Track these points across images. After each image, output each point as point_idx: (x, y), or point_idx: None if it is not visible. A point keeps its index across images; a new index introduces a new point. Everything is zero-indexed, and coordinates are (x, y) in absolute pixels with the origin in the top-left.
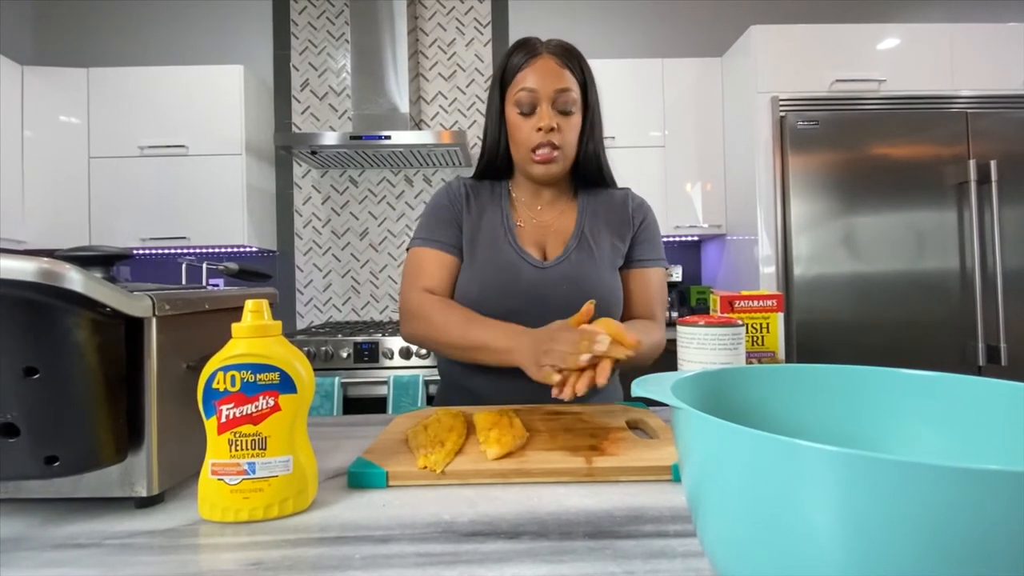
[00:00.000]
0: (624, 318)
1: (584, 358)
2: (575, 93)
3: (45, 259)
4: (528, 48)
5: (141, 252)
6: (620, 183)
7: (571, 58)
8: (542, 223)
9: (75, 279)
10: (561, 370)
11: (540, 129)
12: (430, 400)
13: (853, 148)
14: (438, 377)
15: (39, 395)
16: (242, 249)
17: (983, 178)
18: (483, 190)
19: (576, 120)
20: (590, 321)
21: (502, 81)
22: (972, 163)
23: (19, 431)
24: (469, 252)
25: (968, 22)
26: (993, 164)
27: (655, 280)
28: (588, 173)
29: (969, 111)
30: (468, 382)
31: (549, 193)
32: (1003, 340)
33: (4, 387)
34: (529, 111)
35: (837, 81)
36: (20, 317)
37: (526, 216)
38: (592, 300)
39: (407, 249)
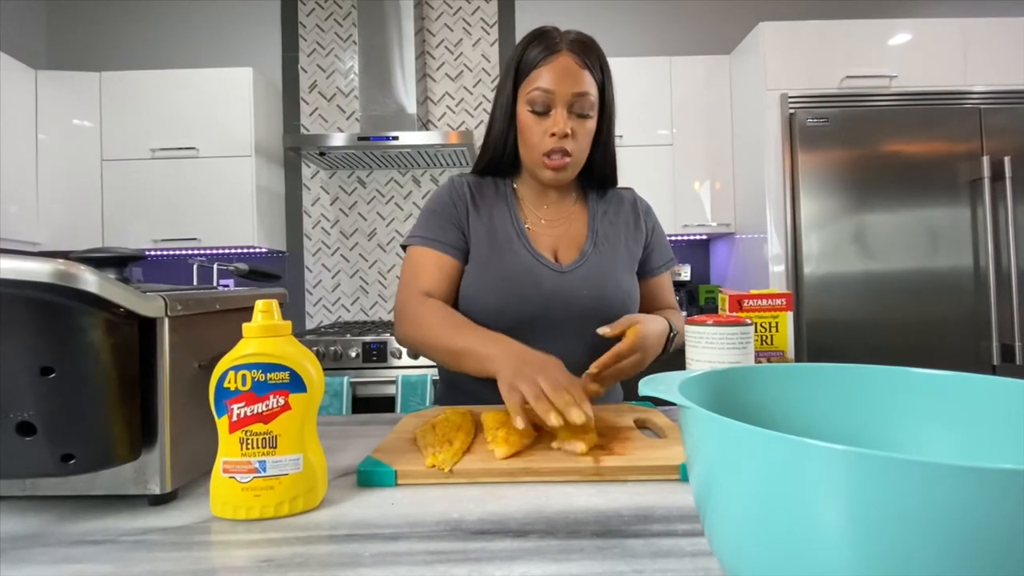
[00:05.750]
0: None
1: (551, 418)
2: (593, 96)
3: (60, 260)
4: (547, 42)
5: (153, 253)
6: (627, 182)
7: (590, 55)
8: (552, 224)
9: (90, 280)
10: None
11: (554, 134)
12: (438, 400)
13: (864, 145)
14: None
15: (55, 394)
16: (252, 250)
17: (997, 175)
18: (487, 188)
19: (591, 125)
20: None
21: (516, 73)
22: (986, 159)
23: (36, 430)
24: (480, 256)
25: (980, 16)
26: (1007, 160)
27: (668, 280)
28: (599, 175)
29: (983, 107)
30: (467, 385)
31: (555, 193)
32: (1018, 339)
33: (21, 386)
34: (543, 111)
35: (847, 77)
36: (36, 318)
37: (533, 217)
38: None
39: (402, 246)
